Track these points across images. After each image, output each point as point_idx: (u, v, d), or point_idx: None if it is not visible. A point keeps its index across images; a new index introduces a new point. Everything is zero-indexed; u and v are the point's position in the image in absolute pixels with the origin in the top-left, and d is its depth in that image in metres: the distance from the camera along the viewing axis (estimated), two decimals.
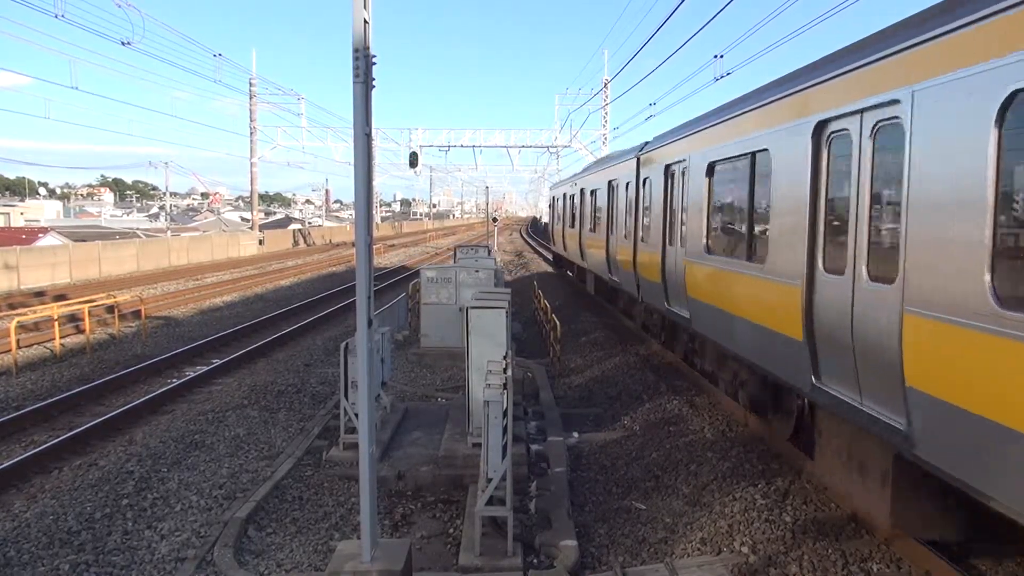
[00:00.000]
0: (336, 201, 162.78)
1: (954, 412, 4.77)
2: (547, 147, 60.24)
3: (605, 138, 55.26)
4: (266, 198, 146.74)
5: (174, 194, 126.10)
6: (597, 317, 20.19)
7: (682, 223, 11.38)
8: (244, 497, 8.23)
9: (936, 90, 4.97)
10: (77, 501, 8.05)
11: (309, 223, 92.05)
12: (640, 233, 14.30)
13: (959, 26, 4.75)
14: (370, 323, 5.66)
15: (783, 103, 7.57)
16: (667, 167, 12.25)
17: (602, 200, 18.66)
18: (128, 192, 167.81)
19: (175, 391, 13.31)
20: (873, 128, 5.82)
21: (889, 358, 5.41)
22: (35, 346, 16.82)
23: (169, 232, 58.85)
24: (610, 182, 17.63)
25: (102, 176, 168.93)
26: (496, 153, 71.33)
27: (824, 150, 6.68)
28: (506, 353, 8.58)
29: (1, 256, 28.10)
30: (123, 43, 30.69)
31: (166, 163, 68.63)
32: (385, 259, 46.93)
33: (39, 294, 26.10)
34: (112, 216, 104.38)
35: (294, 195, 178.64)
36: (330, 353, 16.16)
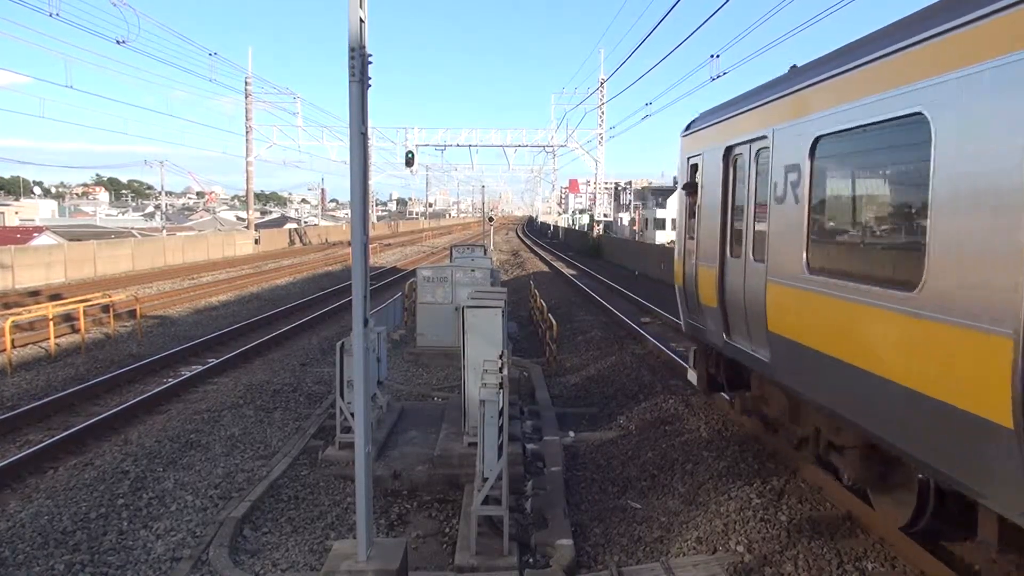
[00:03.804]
0: (332, 200, 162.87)
1: None
2: (543, 146, 60.28)
3: (601, 137, 55.30)
4: (262, 197, 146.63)
5: (170, 193, 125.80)
6: (593, 316, 20.21)
7: None
8: (240, 497, 8.22)
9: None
10: (72, 501, 8.03)
11: (305, 222, 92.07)
12: None
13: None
14: (366, 322, 5.66)
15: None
16: None
17: None
18: (124, 191, 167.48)
19: (170, 391, 13.27)
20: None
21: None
22: (30, 346, 16.77)
23: (165, 231, 58.70)
24: None
25: (97, 175, 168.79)
26: (492, 153, 71.39)
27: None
28: (502, 352, 8.58)
29: None
30: (118, 42, 30.66)
31: (162, 162, 68.21)
32: (381, 258, 46.90)
33: (34, 293, 25.99)
34: (107, 215, 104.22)
35: (290, 194, 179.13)
36: (326, 352, 16.15)
